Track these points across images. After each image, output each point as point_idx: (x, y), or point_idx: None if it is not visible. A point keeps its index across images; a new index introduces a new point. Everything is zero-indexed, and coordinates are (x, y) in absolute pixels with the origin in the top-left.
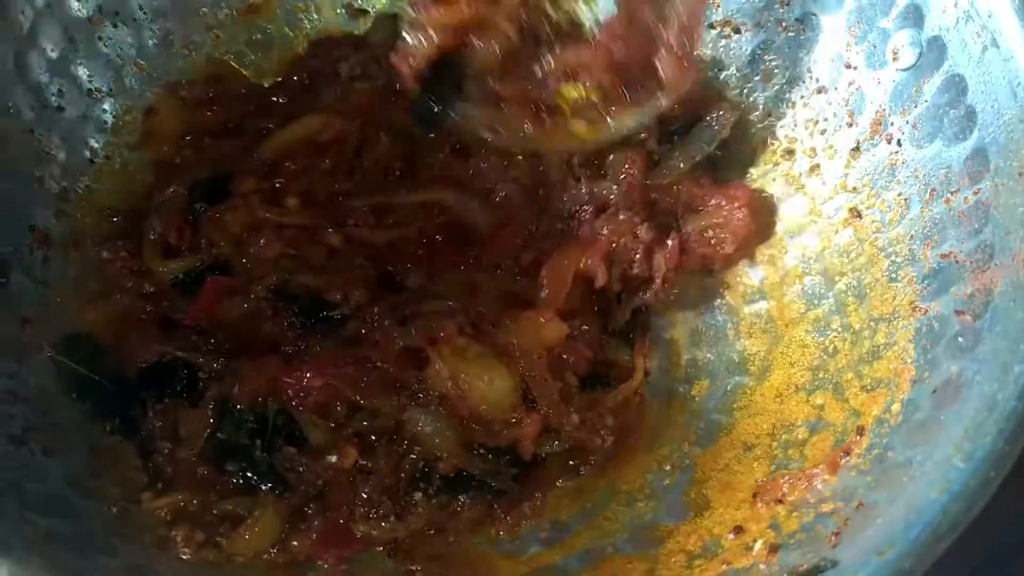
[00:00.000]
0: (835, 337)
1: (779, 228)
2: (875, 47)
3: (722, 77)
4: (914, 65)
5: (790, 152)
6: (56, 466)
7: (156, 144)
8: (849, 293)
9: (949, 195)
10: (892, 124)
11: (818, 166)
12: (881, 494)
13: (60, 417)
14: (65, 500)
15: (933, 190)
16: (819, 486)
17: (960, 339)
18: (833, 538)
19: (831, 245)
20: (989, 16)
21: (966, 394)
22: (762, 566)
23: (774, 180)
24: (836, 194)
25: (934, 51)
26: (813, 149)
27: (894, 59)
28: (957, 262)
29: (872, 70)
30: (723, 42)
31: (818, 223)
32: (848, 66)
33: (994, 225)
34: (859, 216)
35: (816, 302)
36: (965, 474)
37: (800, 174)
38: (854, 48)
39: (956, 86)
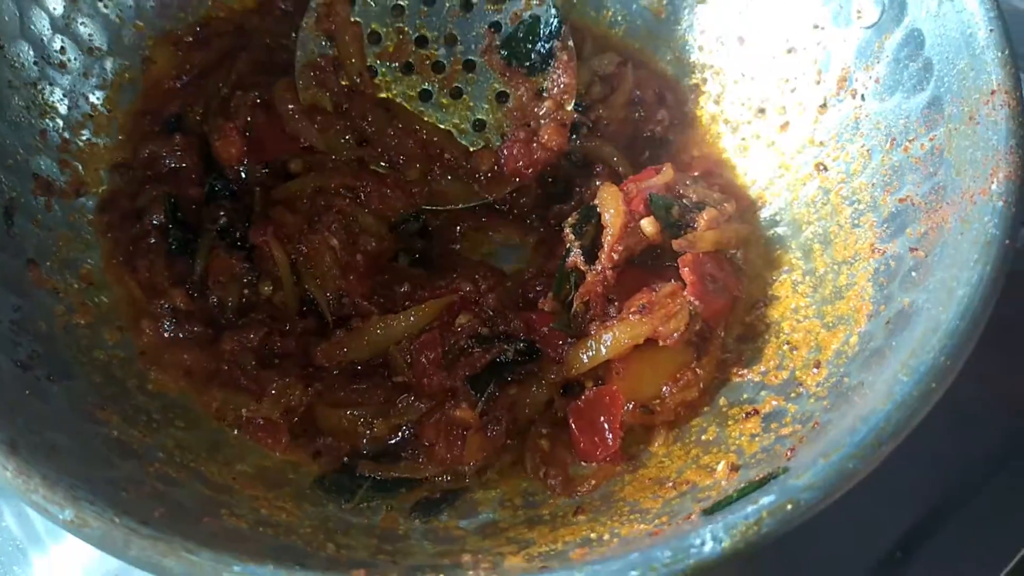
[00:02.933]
0: (800, 282)
1: (750, 185)
2: (841, 7)
3: (698, 42)
4: (877, 22)
5: (762, 111)
6: (60, 391)
7: (157, 91)
8: (815, 240)
9: (907, 143)
10: (856, 80)
11: (788, 123)
12: (835, 414)
13: (64, 352)
14: (68, 421)
15: (893, 140)
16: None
17: (913, 274)
18: (789, 453)
19: (799, 197)
20: None
21: (915, 320)
22: (723, 483)
23: (745, 139)
24: (804, 149)
25: (895, 7)
26: (783, 107)
27: (858, 17)
28: (913, 204)
29: (838, 29)
30: (698, 7)
31: (786, 177)
32: (816, 26)
33: (947, 167)
34: (825, 169)
35: (783, 251)
36: (908, 386)
37: (771, 131)
38: (822, 8)
39: (915, 40)
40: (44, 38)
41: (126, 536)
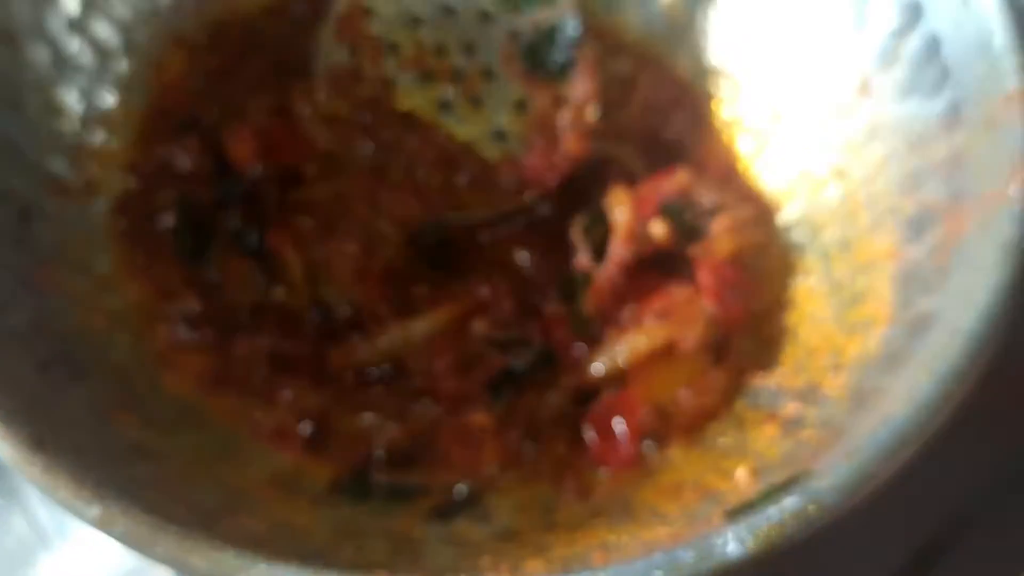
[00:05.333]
0: (817, 286)
1: (767, 191)
2: (859, 12)
3: (715, 47)
4: (896, 28)
5: (779, 116)
6: (79, 393)
7: (170, 94)
8: (832, 245)
9: (925, 148)
10: (874, 85)
11: (805, 128)
12: (855, 418)
13: (81, 353)
14: (89, 423)
15: (911, 144)
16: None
17: (933, 278)
18: (810, 457)
19: (816, 202)
20: None
21: (935, 324)
22: (744, 487)
23: (762, 145)
24: (822, 155)
25: (912, 12)
26: (801, 113)
27: (876, 22)
28: (932, 209)
29: (857, 33)
30: (715, 13)
31: (804, 182)
32: (834, 31)
33: (965, 171)
34: (843, 174)
35: (801, 256)
36: (929, 389)
37: (788, 136)
38: (840, 13)
39: (932, 45)
40: (59, 38)
41: (151, 533)
